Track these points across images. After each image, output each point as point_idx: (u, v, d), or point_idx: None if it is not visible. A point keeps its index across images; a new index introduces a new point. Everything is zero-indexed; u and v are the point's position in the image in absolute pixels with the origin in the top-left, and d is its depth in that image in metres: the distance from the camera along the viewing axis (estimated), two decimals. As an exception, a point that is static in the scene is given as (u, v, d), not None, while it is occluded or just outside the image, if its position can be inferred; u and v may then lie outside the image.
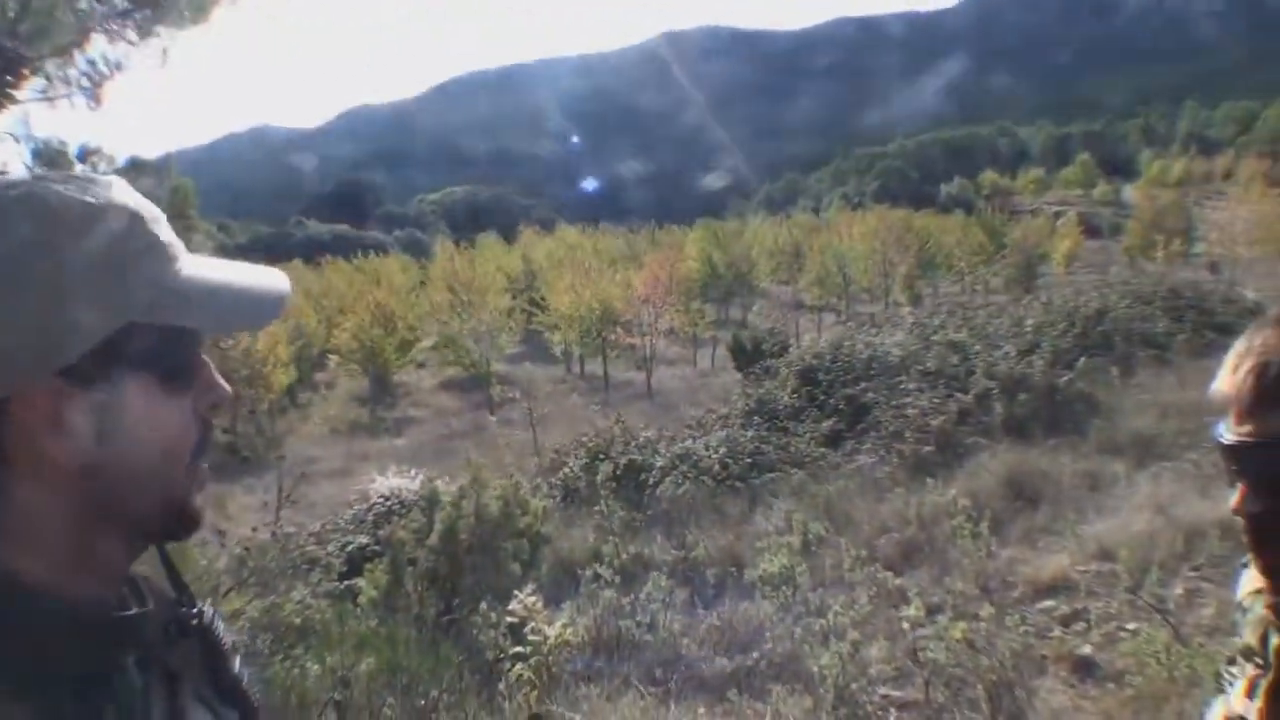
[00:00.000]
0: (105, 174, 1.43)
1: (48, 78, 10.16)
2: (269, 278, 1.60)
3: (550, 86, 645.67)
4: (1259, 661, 2.12)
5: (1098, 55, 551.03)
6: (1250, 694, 2.13)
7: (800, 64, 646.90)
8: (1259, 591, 2.14)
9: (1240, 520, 2.01)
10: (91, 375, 1.37)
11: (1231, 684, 2.23)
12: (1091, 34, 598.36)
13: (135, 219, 1.45)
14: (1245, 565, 2.26)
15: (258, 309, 1.57)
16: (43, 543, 1.36)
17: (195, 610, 1.58)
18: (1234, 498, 2.00)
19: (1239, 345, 2.02)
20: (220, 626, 1.63)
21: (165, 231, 1.49)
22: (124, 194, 1.46)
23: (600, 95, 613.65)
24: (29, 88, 9.97)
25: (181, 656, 1.53)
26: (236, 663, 1.66)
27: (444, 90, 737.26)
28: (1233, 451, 1.98)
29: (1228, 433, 2.00)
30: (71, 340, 1.33)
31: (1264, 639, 2.10)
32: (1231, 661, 2.26)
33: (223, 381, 1.56)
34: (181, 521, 1.50)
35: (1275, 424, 1.90)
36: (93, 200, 1.40)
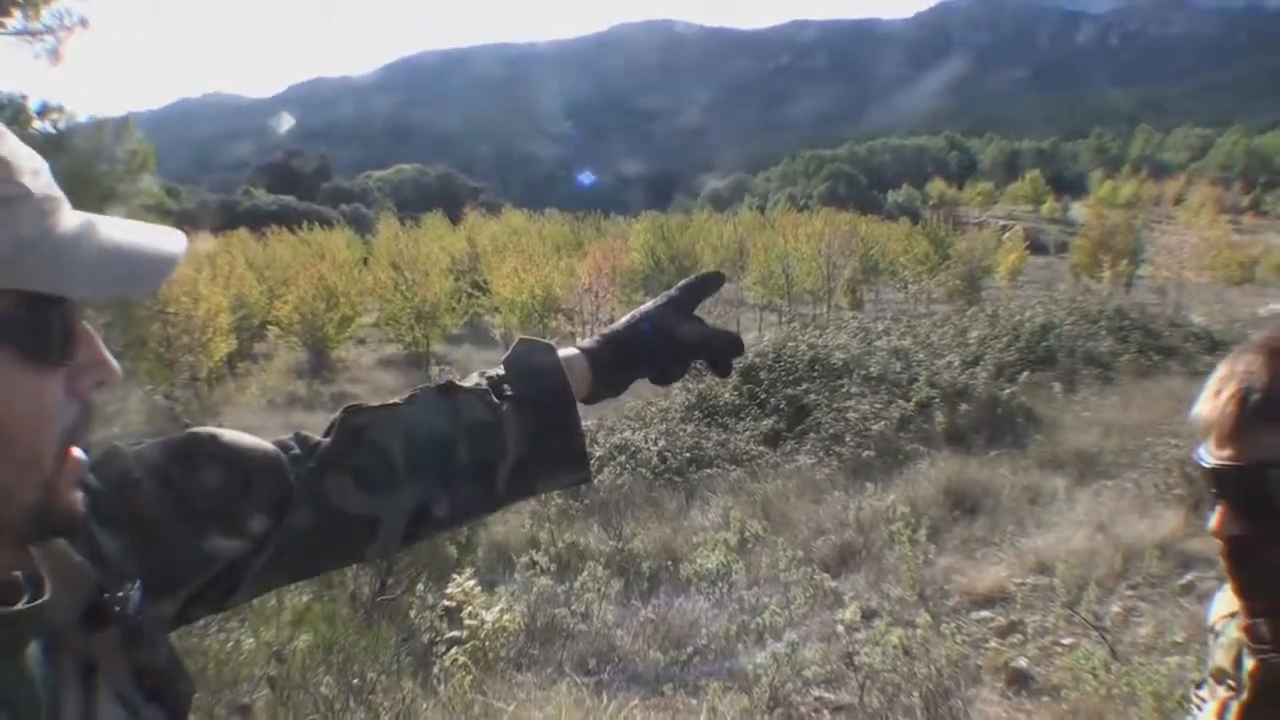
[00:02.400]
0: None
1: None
2: (162, 239, 1.42)
3: (504, 72, 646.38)
4: (1231, 684, 2.13)
5: (1052, 74, 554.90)
6: (1221, 716, 2.14)
7: (757, 63, 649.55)
8: (1233, 614, 2.15)
9: (1219, 542, 2.01)
10: None
11: (1200, 707, 2.25)
12: (1047, 53, 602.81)
13: (1, 166, 1.24)
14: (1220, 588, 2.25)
15: (141, 273, 1.37)
16: None
17: (119, 595, 1.43)
18: (1214, 519, 2.00)
19: (1221, 370, 2.03)
20: (149, 611, 1.49)
21: (41, 183, 1.29)
22: None
23: (559, 85, 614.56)
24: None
25: (101, 646, 1.41)
26: (165, 652, 1.52)
27: (396, 69, 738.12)
28: (1214, 475, 1.99)
29: (1209, 456, 2.01)
30: None
31: (1237, 661, 2.11)
32: (1199, 685, 2.29)
33: (110, 358, 1.37)
34: (49, 518, 1.31)
35: (1255, 449, 1.91)
36: None
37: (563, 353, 2.04)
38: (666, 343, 2.08)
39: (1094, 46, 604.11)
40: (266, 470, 1.81)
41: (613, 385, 2.08)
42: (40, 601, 1.32)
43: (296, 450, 1.90)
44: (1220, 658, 2.19)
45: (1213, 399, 2.00)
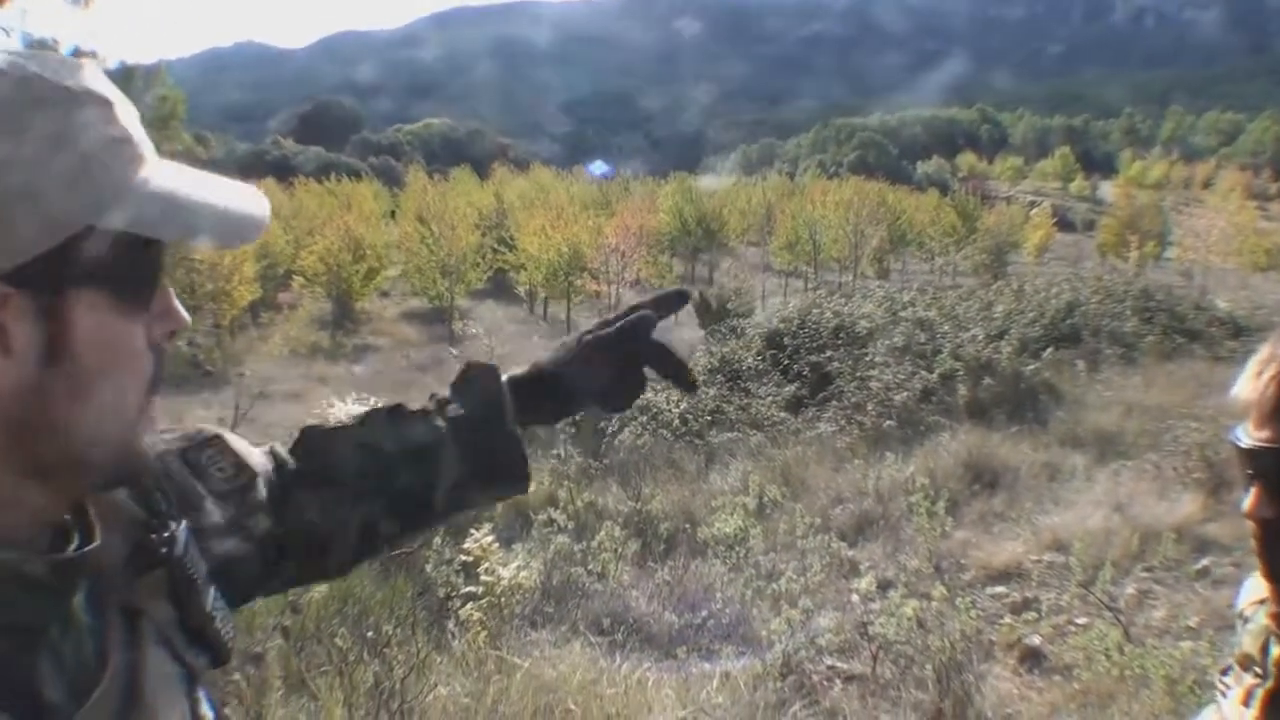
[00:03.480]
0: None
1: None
2: (250, 200, 1.42)
3: (535, 28, 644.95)
4: (1258, 671, 2.11)
5: (1087, 52, 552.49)
6: (1246, 702, 2.13)
7: (787, 33, 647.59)
8: (1262, 601, 2.13)
9: (1251, 525, 2.00)
10: (40, 282, 1.19)
11: (1225, 693, 2.24)
12: (1083, 31, 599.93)
13: (107, 108, 1.27)
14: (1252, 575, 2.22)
15: (232, 229, 1.36)
16: None
17: (165, 536, 1.43)
18: (1247, 501, 1.99)
19: (1262, 351, 2.01)
20: (195, 554, 1.49)
21: (138, 128, 1.32)
22: (97, 80, 1.28)
23: (588, 42, 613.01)
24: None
25: (147, 591, 1.40)
26: (210, 596, 1.51)
27: (428, 22, 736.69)
28: (1250, 456, 1.97)
29: (1246, 437, 1.99)
30: (21, 239, 1.17)
31: (1264, 648, 2.10)
32: (1225, 671, 2.27)
33: (180, 306, 1.38)
34: (127, 466, 1.34)
35: None
36: (63, 83, 1.22)
37: (509, 374, 2.11)
38: (598, 368, 2.07)
39: (1129, 26, 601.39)
40: (263, 476, 1.81)
41: (533, 411, 2.11)
42: (92, 547, 1.33)
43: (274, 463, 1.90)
44: (1248, 644, 2.18)
45: (1253, 380, 1.98)
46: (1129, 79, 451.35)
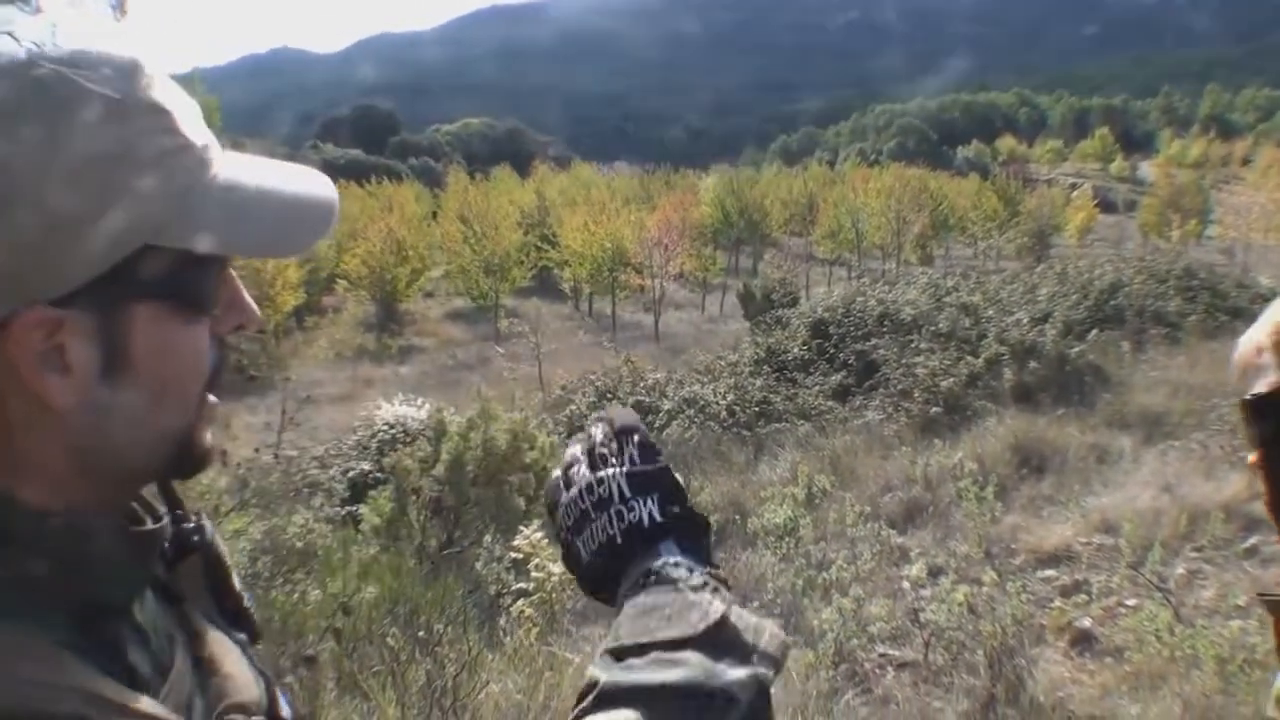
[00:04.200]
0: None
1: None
2: (316, 184, 1.43)
3: (565, 25, 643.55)
4: None
5: (1122, 31, 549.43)
6: None
7: (820, 20, 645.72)
8: None
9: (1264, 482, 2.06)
10: (96, 303, 1.19)
11: None
12: (1116, 9, 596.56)
13: (161, 116, 1.23)
14: None
15: (303, 227, 1.38)
16: (41, 478, 1.20)
17: (195, 525, 1.46)
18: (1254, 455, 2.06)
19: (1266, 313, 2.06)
20: (220, 543, 1.51)
21: (198, 130, 1.29)
22: (154, 86, 1.24)
23: (619, 38, 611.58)
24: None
25: (185, 577, 1.44)
26: (237, 581, 1.54)
27: (463, 23, 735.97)
28: (1251, 408, 2.03)
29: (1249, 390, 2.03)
30: (76, 263, 1.16)
31: None
32: None
33: (251, 302, 1.38)
34: (190, 459, 1.36)
35: None
36: (114, 94, 1.18)
37: None
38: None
39: (1164, 4, 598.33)
40: None
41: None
42: (162, 524, 1.38)
43: None
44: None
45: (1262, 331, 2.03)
46: (1165, 57, 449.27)
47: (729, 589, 1.47)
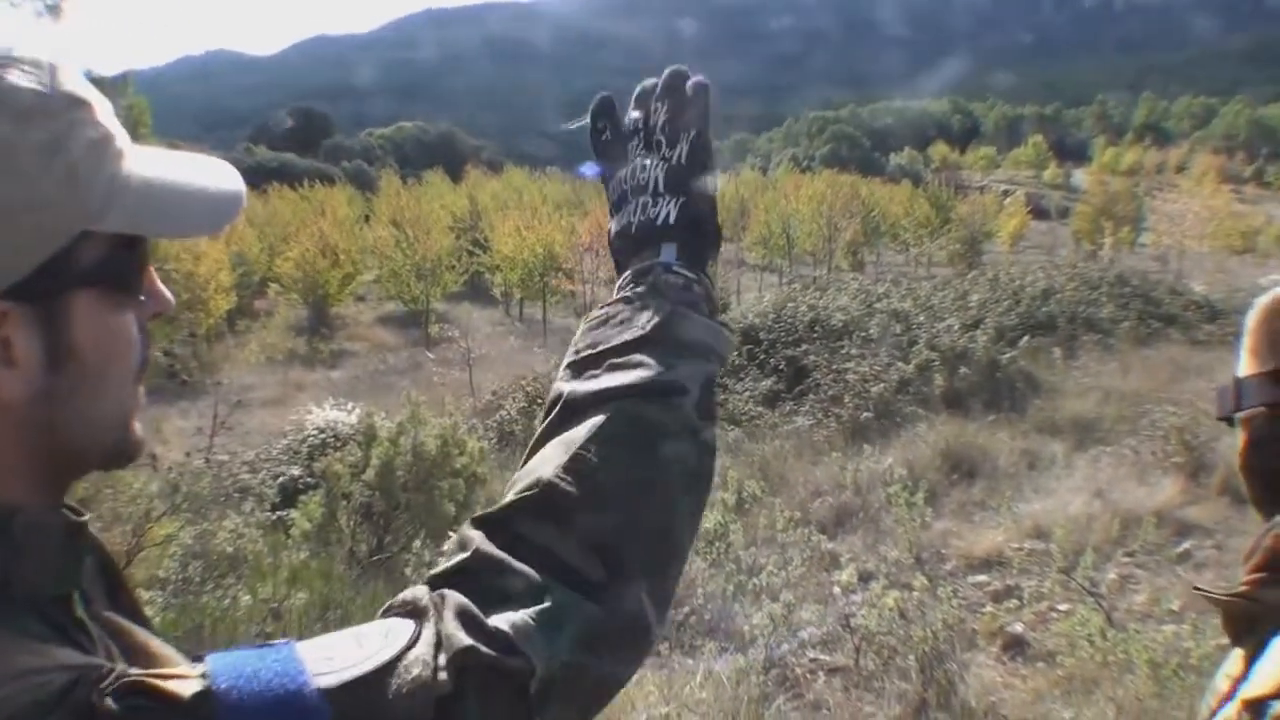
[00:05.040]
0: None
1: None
2: (222, 174, 1.47)
3: (502, 28, 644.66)
4: None
5: (1057, 40, 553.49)
6: None
7: (753, 25, 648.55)
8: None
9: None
10: (38, 291, 1.22)
11: None
12: (1053, 19, 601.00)
13: (85, 108, 1.28)
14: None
15: (215, 211, 1.43)
16: None
17: (83, 521, 1.39)
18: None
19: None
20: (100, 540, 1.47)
21: (115, 123, 1.33)
22: (74, 80, 1.29)
23: (564, 39, 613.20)
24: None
25: (86, 574, 1.38)
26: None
27: (400, 26, 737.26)
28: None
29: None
30: (18, 253, 1.19)
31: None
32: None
33: (165, 289, 1.41)
34: (126, 450, 1.39)
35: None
36: (41, 88, 1.23)
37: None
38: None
39: (1099, 12, 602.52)
40: None
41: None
42: (88, 516, 1.37)
43: None
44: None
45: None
46: (1101, 65, 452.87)
47: (711, 298, 1.66)
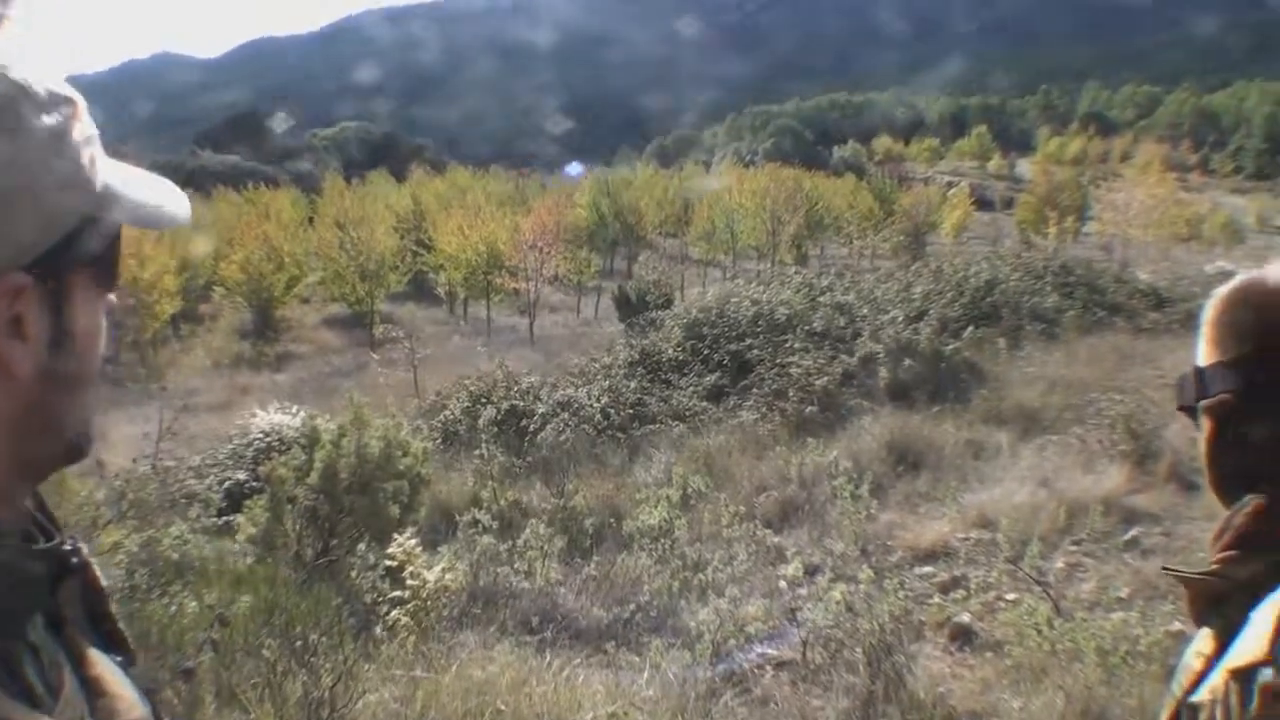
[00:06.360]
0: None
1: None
2: (172, 195, 1.47)
3: (447, 26, 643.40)
4: None
5: (1000, 30, 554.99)
6: None
7: (709, 15, 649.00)
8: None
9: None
10: (49, 272, 1.25)
11: None
12: (997, 8, 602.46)
13: (76, 105, 1.30)
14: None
15: (173, 198, 1.46)
16: None
17: (72, 548, 1.39)
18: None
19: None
20: (95, 566, 1.47)
21: (92, 122, 1.34)
22: (64, 82, 1.31)
23: (507, 39, 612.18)
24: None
25: (64, 599, 1.37)
26: (112, 604, 1.50)
27: (341, 27, 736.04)
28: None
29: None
30: (29, 234, 1.21)
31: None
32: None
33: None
34: (83, 444, 1.38)
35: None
36: (52, 86, 1.26)
37: None
38: None
39: (1044, 2, 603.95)
40: None
41: None
42: (56, 541, 1.36)
43: None
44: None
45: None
46: (1044, 55, 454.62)
47: None
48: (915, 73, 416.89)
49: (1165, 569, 2.16)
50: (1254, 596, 1.85)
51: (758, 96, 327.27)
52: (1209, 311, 2.08)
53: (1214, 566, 1.94)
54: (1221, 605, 1.92)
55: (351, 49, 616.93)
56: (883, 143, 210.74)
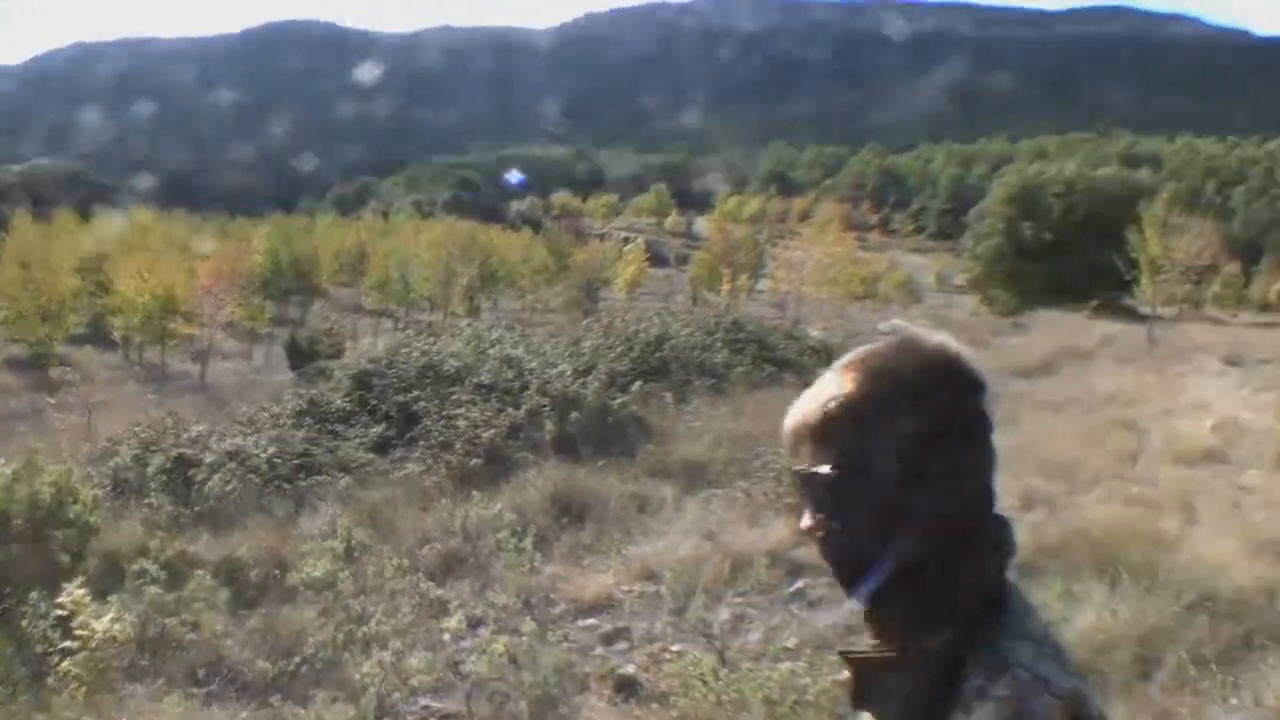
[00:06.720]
0: None
1: None
2: None
3: (134, 64, 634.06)
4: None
5: (693, 89, 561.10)
6: None
7: (399, 65, 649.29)
8: None
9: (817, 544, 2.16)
10: None
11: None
12: (689, 68, 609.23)
13: None
14: None
15: None
16: None
17: None
18: (804, 520, 2.15)
19: (811, 389, 2.17)
20: None
21: None
22: None
23: (211, 81, 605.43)
24: None
25: None
26: None
27: (39, 62, 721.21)
28: (801, 478, 2.14)
29: (796, 463, 2.14)
30: None
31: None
32: None
33: None
34: None
35: (826, 456, 2.07)
36: None
37: None
38: None
39: (735, 64, 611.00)
40: None
41: None
42: None
43: None
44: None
45: (800, 412, 2.15)
46: (733, 115, 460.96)
47: None
48: (598, 129, 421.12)
49: (842, 653, 2.20)
50: (926, 670, 1.98)
51: (438, 149, 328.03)
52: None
53: (898, 644, 2.03)
54: (886, 684, 2.07)
55: (54, 83, 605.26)
56: (560, 198, 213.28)
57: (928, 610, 2.01)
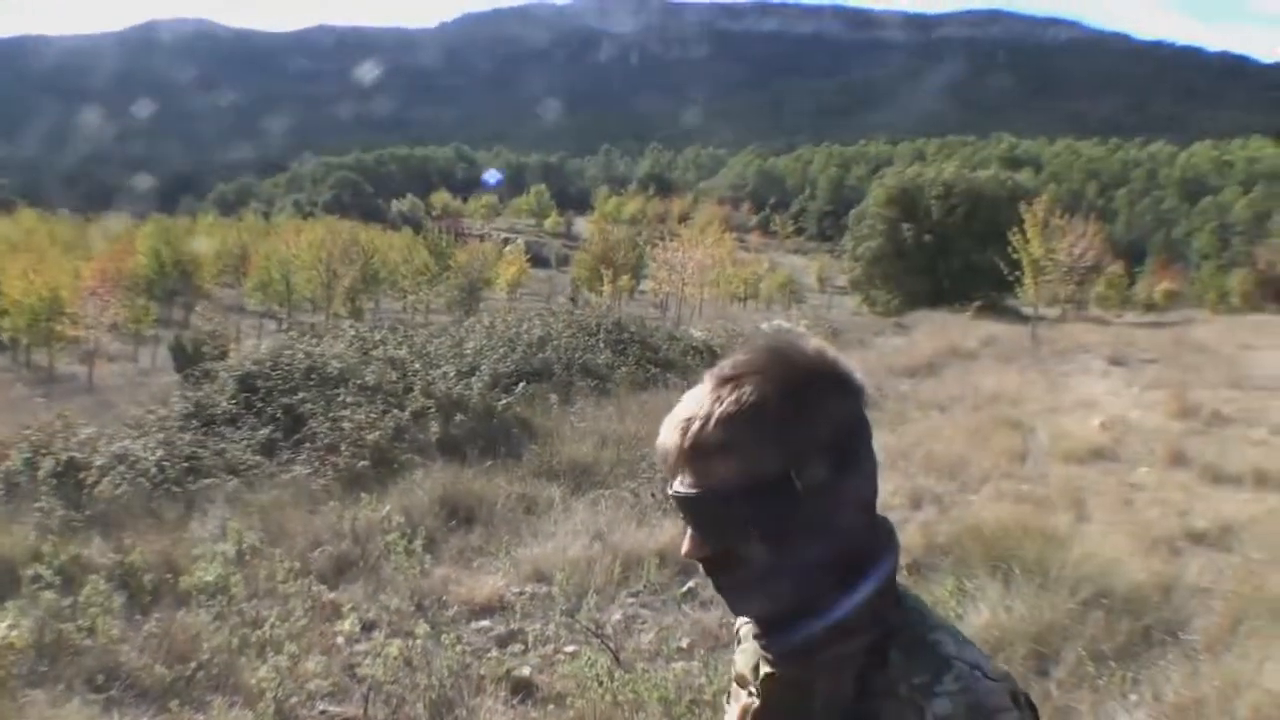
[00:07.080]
0: None
1: None
2: None
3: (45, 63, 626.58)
4: (751, 690, 2.21)
5: (576, 90, 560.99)
6: None
7: (272, 66, 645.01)
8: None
9: (699, 563, 2.11)
10: None
11: (728, 706, 2.34)
12: (566, 70, 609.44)
13: None
14: None
15: None
16: None
17: None
18: (685, 544, 2.10)
19: (687, 405, 2.11)
20: None
21: None
22: None
23: (97, 75, 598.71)
24: None
25: None
26: None
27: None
28: (681, 502, 2.08)
29: (676, 485, 2.08)
30: None
31: (756, 668, 2.18)
32: (738, 682, 2.32)
33: None
34: None
35: (706, 476, 2.00)
36: None
37: None
38: None
39: (614, 65, 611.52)
40: None
41: None
42: None
43: None
44: (741, 663, 2.28)
45: (670, 431, 2.09)
46: (611, 117, 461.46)
47: None
48: (475, 128, 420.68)
49: (765, 677, 2.14)
50: (845, 673, 1.98)
51: (318, 147, 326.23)
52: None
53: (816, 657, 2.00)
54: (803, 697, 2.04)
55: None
56: (440, 198, 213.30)
57: (848, 622, 1.99)
